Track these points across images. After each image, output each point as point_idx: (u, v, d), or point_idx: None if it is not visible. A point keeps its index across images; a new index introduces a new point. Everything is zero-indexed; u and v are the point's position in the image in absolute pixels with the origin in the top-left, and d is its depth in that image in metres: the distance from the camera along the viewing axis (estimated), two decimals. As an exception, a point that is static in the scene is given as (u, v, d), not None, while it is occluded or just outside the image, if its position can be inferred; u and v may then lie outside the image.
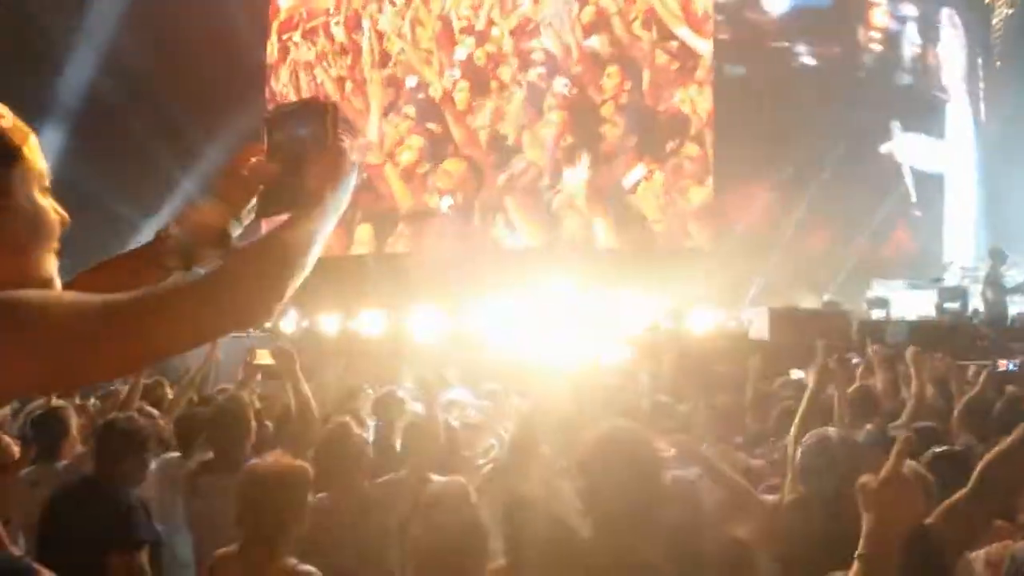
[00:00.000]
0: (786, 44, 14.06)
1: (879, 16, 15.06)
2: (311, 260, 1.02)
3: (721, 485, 2.82)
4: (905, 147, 15.06)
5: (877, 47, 14.99)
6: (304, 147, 1.11)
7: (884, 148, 14.87)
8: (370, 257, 12.74)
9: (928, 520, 1.99)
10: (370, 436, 4.37)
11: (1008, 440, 2.10)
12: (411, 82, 13.90)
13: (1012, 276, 9.53)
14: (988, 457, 2.13)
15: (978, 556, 2.25)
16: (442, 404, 4.92)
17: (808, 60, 14.24)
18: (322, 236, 1.04)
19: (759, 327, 8.86)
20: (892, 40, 15.13)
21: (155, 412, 3.85)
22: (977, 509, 2.06)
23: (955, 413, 4.17)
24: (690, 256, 12.67)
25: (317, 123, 1.11)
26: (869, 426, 3.85)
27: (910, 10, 15.48)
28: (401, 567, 2.03)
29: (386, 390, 4.51)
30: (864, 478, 1.38)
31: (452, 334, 9.72)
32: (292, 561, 2.08)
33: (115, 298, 0.89)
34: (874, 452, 2.90)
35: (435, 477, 2.81)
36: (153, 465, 3.24)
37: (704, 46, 13.17)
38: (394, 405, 4.18)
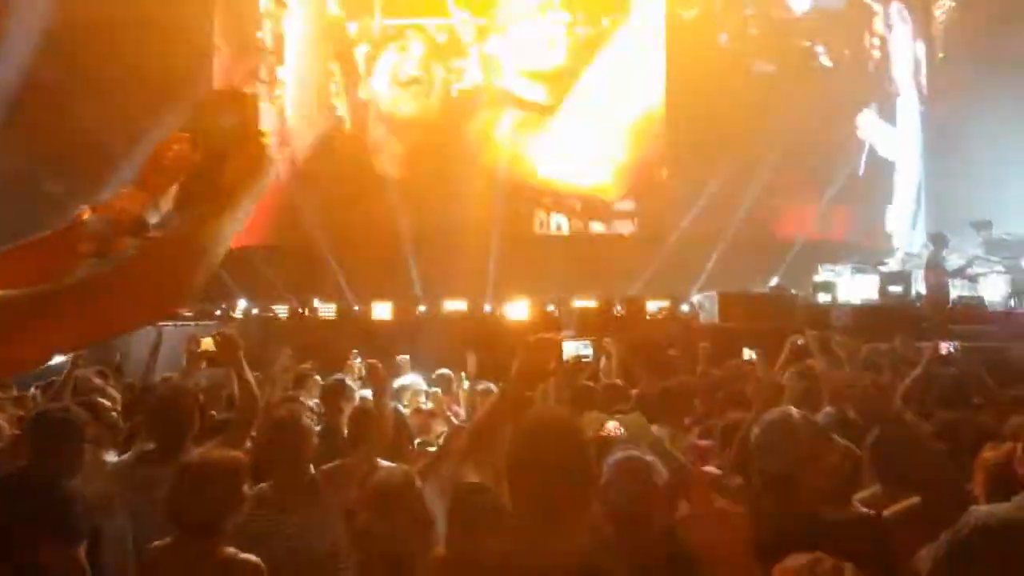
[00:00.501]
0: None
1: (878, 23, 15.51)
2: (220, 255, 1.03)
3: (667, 466, 2.85)
4: (870, 130, 15.49)
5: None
6: (226, 139, 1.11)
7: (859, 128, 15.30)
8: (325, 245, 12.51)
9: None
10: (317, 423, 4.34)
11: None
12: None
13: (953, 260, 9.82)
14: None
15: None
16: (393, 390, 4.93)
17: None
18: (231, 232, 1.05)
19: (709, 311, 8.99)
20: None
21: (107, 403, 3.73)
22: None
23: (898, 394, 4.27)
24: (644, 242, 12.78)
25: (239, 115, 1.11)
26: (829, 408, 3.92)
27: (877, 7, 15.91)
28: (347, 554, 2.00)
29: (334, 377, 4.47)
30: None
31: (408, 320, 9.69)
32: (230, 551, 2.04)
33: (30, 292, 0.90)
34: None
35: (383, 463, 2.78)
36: (113, 458, 3.15)
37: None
38: (342, 392, 4.13)
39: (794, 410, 2.61)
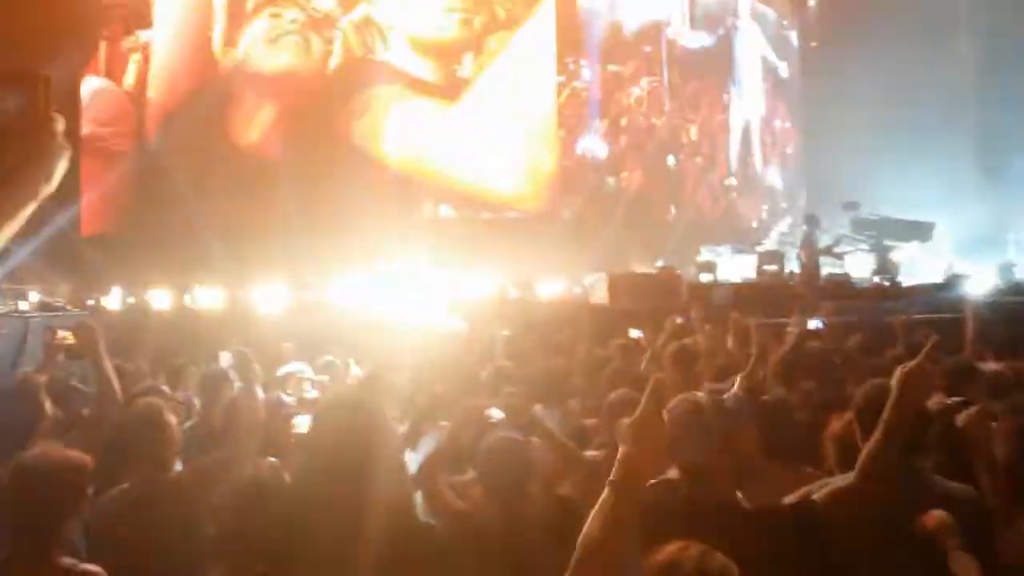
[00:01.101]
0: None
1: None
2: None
3: (548, 445, 2.89)
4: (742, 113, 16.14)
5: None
6: (8, 120, 1.04)
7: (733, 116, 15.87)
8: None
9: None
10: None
11: None
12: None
13: (824, 240, 10.41)
14: None
15: (790, 499, 2.40)
16: (277, 379, 4.77)
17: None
18: (14, 220, 1.00)
19: (600, 293, 9.17)
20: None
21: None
22: None
23: (768, 368, 4.47)
24: (537, 225, 12.88)
25: (26, 97, 1.05)
26: (736, 390, 4.05)
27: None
28: (212, 557, 1.89)
29: (212, 367, 4.28)
30: (626, 419, 1.49)
31: (294, 306, 9.41)
32: (68, 561, 1.88)
33: None
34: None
35: (270, 458, 2.68)
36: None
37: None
38: (220, 382, 3.95)
39: (703, 396, 2.55)
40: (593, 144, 14.06)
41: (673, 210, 14.70)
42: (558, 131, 13.59)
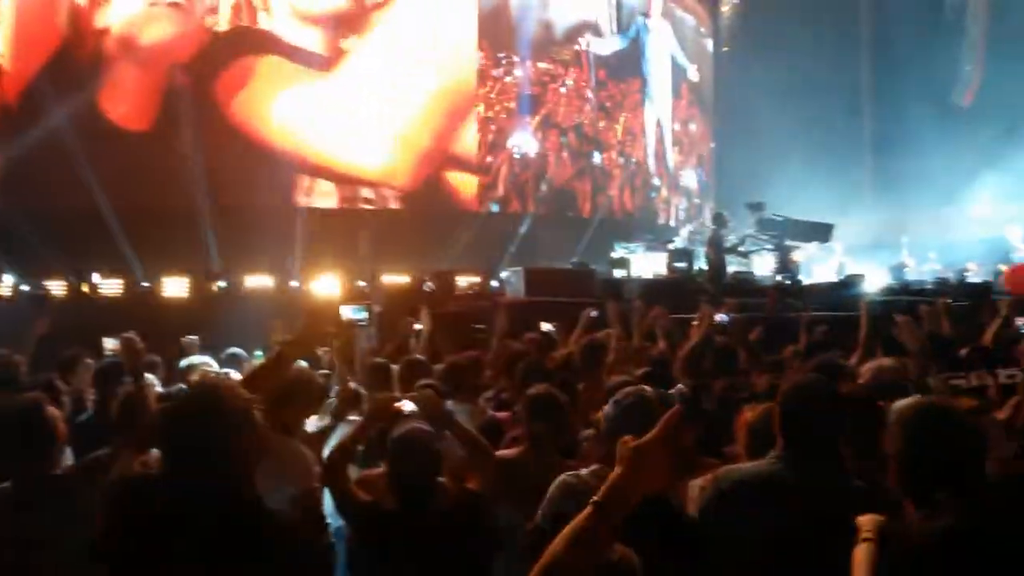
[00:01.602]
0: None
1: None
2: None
3: (459, 440, 2.88)
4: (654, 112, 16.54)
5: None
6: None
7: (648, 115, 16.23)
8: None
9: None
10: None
11: None
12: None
13: (731, 239, 10.78)
14: None
15: (694, 483, 2.47)
16: (179, 371, 4.59)
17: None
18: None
19: (516, 287, 9.22)
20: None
21: None
22: None
23: (677, 361, 4.59)
24: (458, 220, 12.86)
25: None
26: (680, 385, 4.12)
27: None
28: (93, 556, 1.79)
29: (108, 359, 4.08)
30: (627, 437, 1.41)
31: (201, 296, 9.08)
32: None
33: None
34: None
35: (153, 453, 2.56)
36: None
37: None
38: (116, 375, 3.77)
39: (647, 389, 2.57)
40: (523, 140, 14.17)
41: (594, 206, 15.00)
42: (486, 126, 13.63)
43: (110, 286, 9.47)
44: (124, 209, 10.55)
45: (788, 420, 2.31)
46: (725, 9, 19.39)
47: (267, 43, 11.58)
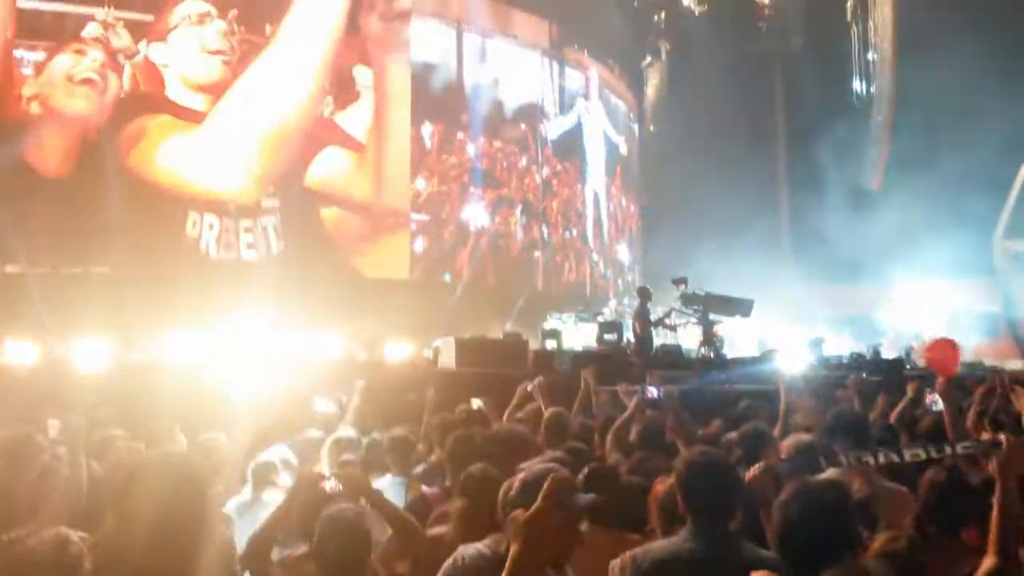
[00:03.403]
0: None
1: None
2: None
3: (387, 519, 2.85)
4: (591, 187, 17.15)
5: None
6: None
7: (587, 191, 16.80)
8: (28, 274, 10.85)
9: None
10: None
11: None
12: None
13: (656, 312, 11.06)
14: None
15: (613, 563, 2.51)
16: (91, 446, 4.39)
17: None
18: None
19: (447, 356, 9.20)
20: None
21: None
22: None
23: (607, 435, 4.65)
24: (387, 288, 12.84)
25: None
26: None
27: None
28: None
29: (21, 431, 3.86)
30: (517, 511, 1.45)
31: (123, 367, 8.69)
32: None
33: None
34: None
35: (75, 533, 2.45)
36: None
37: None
38: (29, 450, 3.58)
39: (556, 466, 2.45)
40: (475, 212, 14.50)
41: (538, 279, 15.37)
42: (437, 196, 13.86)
43: (20, 352, 9.01)
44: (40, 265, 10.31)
45: (688, 494, 2.40)
46: (649, 91, 20.40)
47: (160, 105, 12.19)
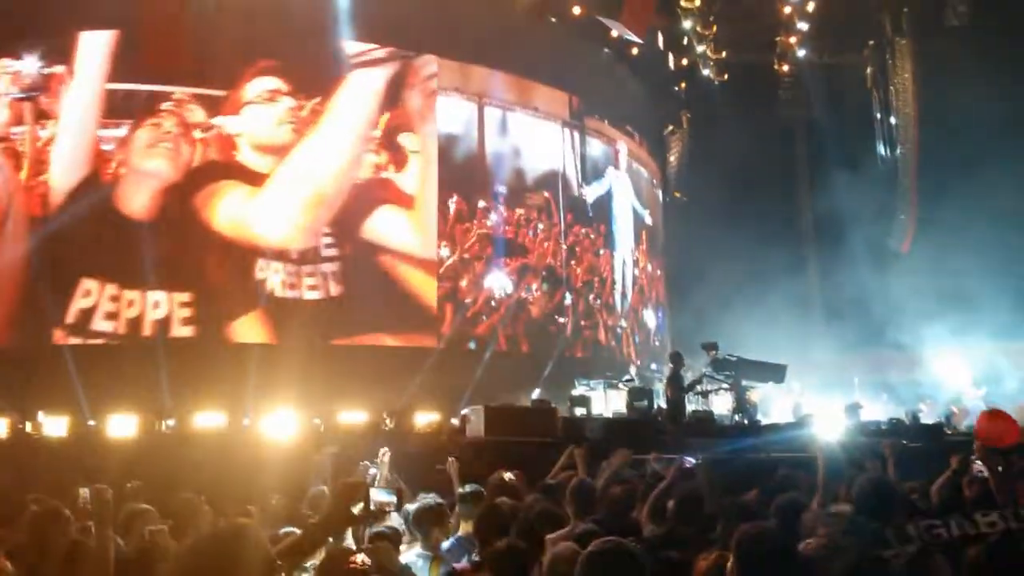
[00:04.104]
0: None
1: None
2: None
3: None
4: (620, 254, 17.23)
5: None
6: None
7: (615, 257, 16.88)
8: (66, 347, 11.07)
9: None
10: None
11: None
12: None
13: (688, 378, 10.90)
14: None
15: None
16: (119, 520, 4.35)
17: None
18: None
19: (476, 424, 9.11)
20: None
21: None
22: None
23: (644, 507, 4.52)
24: (417, 356, 12.84)
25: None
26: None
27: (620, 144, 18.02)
28: None
29: (49, 505, 3.86)
30: None
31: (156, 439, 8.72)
32: None
33: None
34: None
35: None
36: None
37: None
38: (56, 521, 3.57)
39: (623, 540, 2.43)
40: (499, 279, 14.61)
41: (564, 345, 15.31)
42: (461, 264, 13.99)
43: (54, 425, 9.08)
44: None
45: (744, 569, 2.30)
46: (672, 159, 20.62)
47: (232, 170, 13.09)
